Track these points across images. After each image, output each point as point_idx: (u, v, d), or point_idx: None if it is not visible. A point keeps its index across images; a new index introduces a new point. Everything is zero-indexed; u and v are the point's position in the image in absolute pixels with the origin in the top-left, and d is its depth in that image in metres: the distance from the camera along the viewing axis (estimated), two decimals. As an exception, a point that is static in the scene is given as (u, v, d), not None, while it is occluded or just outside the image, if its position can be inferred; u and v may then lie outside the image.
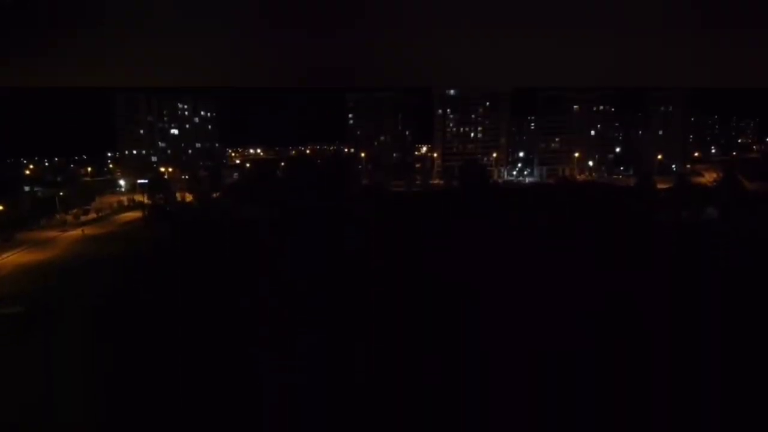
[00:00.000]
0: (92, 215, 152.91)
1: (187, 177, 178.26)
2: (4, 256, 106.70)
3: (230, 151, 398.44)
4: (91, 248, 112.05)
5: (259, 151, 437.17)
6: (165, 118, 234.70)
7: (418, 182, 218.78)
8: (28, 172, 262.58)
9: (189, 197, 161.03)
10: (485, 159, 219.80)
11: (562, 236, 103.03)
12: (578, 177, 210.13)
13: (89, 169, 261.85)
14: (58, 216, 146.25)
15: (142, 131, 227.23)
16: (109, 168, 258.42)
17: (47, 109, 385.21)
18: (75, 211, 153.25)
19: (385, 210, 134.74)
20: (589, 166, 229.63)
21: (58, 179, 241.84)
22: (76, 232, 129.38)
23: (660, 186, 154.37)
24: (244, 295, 74.19)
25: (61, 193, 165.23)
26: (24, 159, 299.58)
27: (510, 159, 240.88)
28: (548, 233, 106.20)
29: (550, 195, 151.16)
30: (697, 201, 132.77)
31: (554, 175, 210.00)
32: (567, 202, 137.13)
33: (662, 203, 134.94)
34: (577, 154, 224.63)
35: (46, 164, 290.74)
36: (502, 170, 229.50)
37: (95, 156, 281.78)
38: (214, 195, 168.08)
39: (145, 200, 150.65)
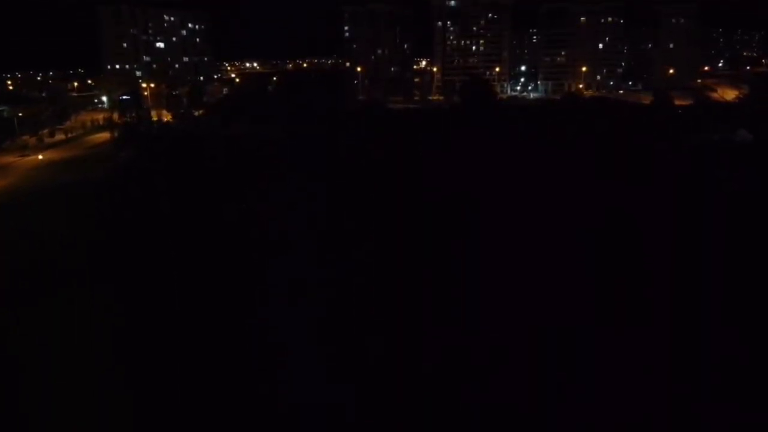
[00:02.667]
0: (60, 136, 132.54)
1: (167, 93, 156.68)
2: None
3: (227, 65, 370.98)
4: (40, 177, 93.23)
5: (255, 65, 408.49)
6: (150, 31, 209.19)
7: (416, 98, 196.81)
8: (10, 86, 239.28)
9: (167, 116, 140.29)
10: (487, 73, 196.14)
11: (579, 160, 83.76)
12: (585, 92, 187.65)
13: (75, 84, 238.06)
14: (23, 138, 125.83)
15: (125, 44, 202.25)
16: (91, 84, 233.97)
17: (31, 20, 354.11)
18: (43, 132, 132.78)
19: (383, 127, 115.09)
20: (596, 80, 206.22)
21: (43, 95, 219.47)
22: (34, 158, 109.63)
23: (677, 102, 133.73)
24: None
25: (33, 112, 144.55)
26: (6, 73, 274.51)
27: (511, 73, 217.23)
28: (563, 156, 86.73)
29: (561, 112, 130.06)
30: (722, 120, 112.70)
31: (560, 90, 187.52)
32: (579, 120, 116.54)
33: (685, 123, 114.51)
34: (584, 68, 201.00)
35: (27, 79, 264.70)
36: (505, 85, 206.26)
37: (76, 70, 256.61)
38: (197, 113, 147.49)
39: (118, 119, 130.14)
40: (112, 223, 63.27)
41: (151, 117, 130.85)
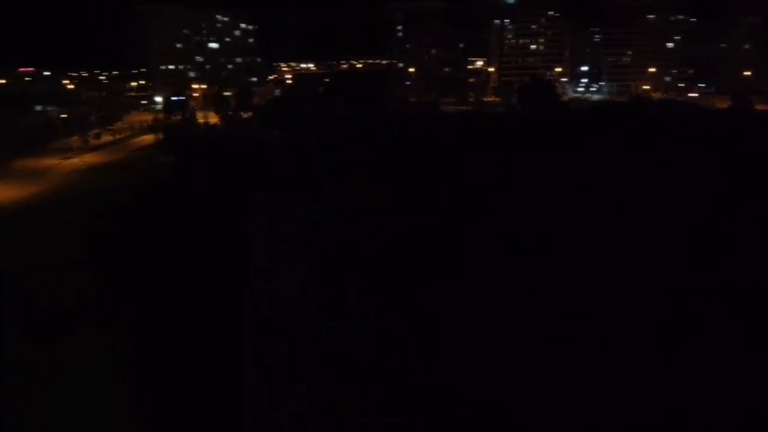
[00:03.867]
0: (108, 138, 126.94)
1: (217, 95, 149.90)
2: None
3: (283, 65, 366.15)
4: (74, 183, 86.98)
5: (311, 65, 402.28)
6: (203, 32, 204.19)
7: (471, 99, 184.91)
8: (71, 85, 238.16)
9: (214, 118, 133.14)
10: (547, 74, 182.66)
11: (660, 168, 71.58)
12: (653, 94, 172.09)
13: (133, 84, 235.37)
14: (67, 140, 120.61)
15: (179, 45, 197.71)
16: (146, 84, 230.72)
17: (91, 20, 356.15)
18: (91, 133, 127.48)
19: (432, 131, 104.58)
20: (664, 81, 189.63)
21: (103, 94, 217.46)
22: (77, 160, 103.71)
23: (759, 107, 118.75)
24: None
25: (83, 113, 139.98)
26: (72, 72, 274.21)
27: (573, 74, 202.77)
28: (641, 165, 74.50)
29: (630, 116, 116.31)
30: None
31: (626, 92, 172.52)
32: (653, 125, 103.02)
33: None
34: (652, 69, 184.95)
35: (88, 79, 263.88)
36: (566, 86, 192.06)
37: (138, 70, 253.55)
38: (245, 115, 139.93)
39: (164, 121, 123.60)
40: (126, 236, 55.27)
41: (196, 119, 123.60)
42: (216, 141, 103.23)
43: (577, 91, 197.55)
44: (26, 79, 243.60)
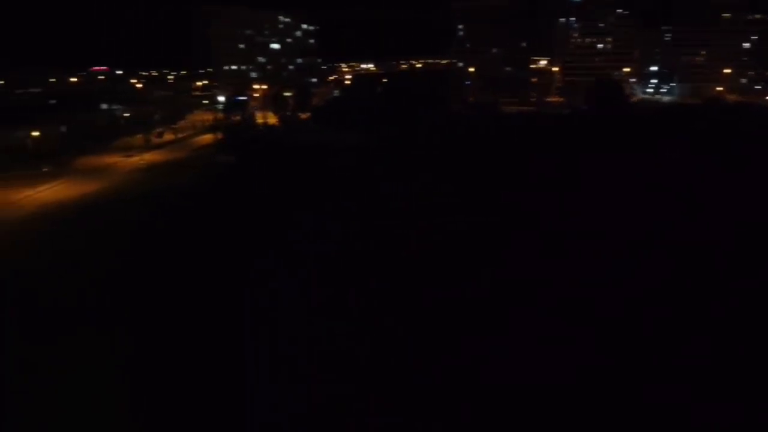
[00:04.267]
0: (170, 137, 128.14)
1: (277, 95, 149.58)
2: (40, 189, 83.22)
3: (344, 66, 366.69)
4: (132, 181, 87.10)
5: (371, 65, 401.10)
6: (266, 32, 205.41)
7: (533, 99, 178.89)
8: (139, 84, 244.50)
9: (273, 119, 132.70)
10: (614, 74, 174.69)
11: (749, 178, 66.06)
12: (728, 96, 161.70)
13: (198, 83, 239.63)
14: (129, 139, 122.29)
15: (242, 45, 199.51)
16: (210, 84, 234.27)
17: (159, 20, 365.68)
18: (154, 132, 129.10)
19: (497, 132, 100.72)
20: (740, 83, 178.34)
21: (170, 94, 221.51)
22: (137, 159, 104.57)
23: None
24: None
25: (148, 112, 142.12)
26: (143, 71, 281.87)
27: (642, 74, 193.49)
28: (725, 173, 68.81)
29: (706, 119, 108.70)
30: None
31: (698, 94, 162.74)
32: (733, 130, 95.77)
33: None
34: (727, 70, 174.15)
35: (157, 78, 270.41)
36: (635, 87, 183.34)
37: (205, 70, 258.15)
38: (303, 116, 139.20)
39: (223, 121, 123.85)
40: (185, 235, 54.22)
41: (255, 119, 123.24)
42: (273, 142, 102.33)
43: (646, 93, 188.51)
44: (99, 77, 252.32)
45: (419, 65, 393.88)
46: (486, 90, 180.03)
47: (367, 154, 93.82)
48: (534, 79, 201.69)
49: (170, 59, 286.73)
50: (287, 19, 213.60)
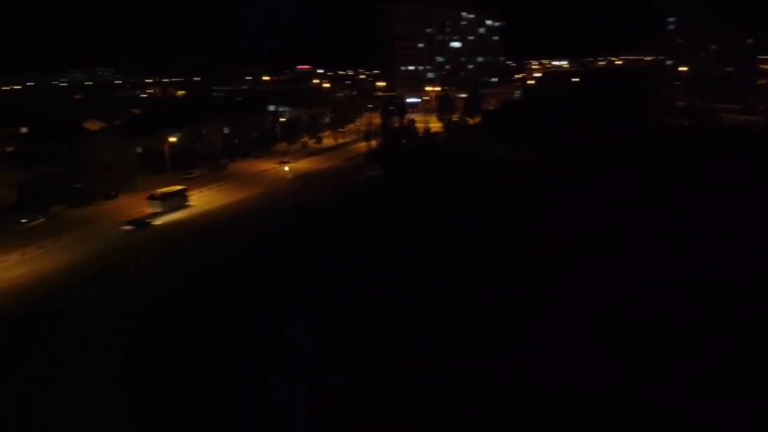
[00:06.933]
0: (329, 141, 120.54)
1: (448, 97, 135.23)
2: (196, 192, 79.41)
3: (534, 63, 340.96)
4: (274, 194, 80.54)
5: (564, 62, 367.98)
6: (447, 30, 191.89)
7: (761, 107, 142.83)
8: (326, 84, 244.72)
9: (436, 124, 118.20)
10: None
11: None
12: None
13: (379, 84, 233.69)
14: (289, 142, 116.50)
15: (421, 45, 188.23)
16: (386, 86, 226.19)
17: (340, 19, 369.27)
18: (318, 135, 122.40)
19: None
20: None
21: (354, 94, 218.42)
22: (286, 168, 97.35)
23: None
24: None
25: (317, 114, 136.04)
26: (341, 71, 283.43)
27: None
28: None
29: None
30: None
31: None
32: None
33: None
34: None
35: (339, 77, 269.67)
36: None
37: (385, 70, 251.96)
38: (472, 121, 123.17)
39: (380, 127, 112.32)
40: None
41: (415, 125, 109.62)
42: (428, 154, 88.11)
43: None
44: (281, 78, 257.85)
45: (619, 62, 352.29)
46: (695, 93, 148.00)
47: (536, 174, 76.07)
48: (761, 81, 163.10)
49: (359, 59, 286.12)
50: (471, 16, 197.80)
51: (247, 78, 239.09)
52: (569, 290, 40.03)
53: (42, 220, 68.12)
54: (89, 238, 60.54)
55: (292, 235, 58.02)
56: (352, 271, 46.39)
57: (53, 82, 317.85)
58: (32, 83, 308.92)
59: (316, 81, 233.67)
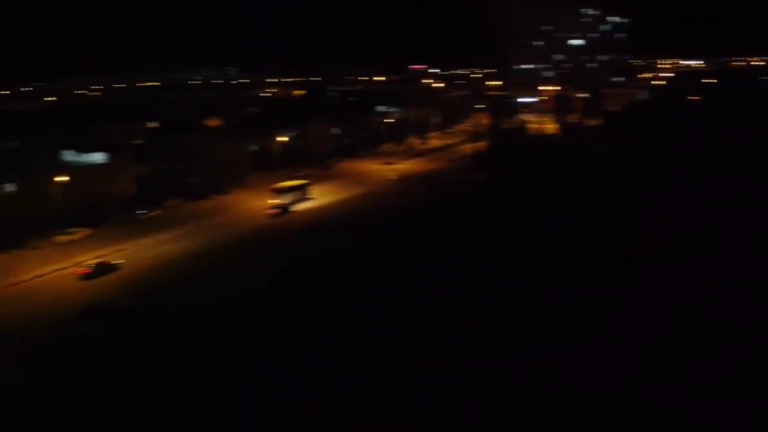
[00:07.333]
0: (436, 142, 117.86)
1: (566, 98, 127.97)
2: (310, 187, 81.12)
3: (665, 62, 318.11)
4: (374, 196, 79.48)
5: (697, 62, 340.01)
6: (566, 27, 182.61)
7: None
8: (439, 84, 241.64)
9: (551, 126, 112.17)
10: None
11: None
12: None
13: (493, 83, 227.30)
14: (397, 143, 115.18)
15: (539, 42, 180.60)
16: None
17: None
18: (425, 136, 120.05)
19: None
20: None
21: (466, 94, 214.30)
22: (391, 169, 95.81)
23: None
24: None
25: (426, 114, 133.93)
26: (460, 69, 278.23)
27: None
28: None
29: None
30: None
31: None
32: None
33: None
34: None
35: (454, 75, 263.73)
36: None
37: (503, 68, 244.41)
38: (592, 123, 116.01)
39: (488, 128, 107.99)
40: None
41: (525, 127, 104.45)
42: (536, 157, 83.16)
43: None
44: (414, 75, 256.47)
45: (761, 63, 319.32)
46: None
47: (653, 183, 69.48)
48: None
49: (473, 58, 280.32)
50: (595, 12, 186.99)
51: (360, 78, 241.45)
52: (645, 290, 39.95)
53: (159, 212, 71.36)
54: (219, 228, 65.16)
55: (388, 237, 57.12)
56: (430, 273, 46.07)
57: (189, 82, 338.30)
58: (172, 77, 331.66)
59: (428, 81, 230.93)
